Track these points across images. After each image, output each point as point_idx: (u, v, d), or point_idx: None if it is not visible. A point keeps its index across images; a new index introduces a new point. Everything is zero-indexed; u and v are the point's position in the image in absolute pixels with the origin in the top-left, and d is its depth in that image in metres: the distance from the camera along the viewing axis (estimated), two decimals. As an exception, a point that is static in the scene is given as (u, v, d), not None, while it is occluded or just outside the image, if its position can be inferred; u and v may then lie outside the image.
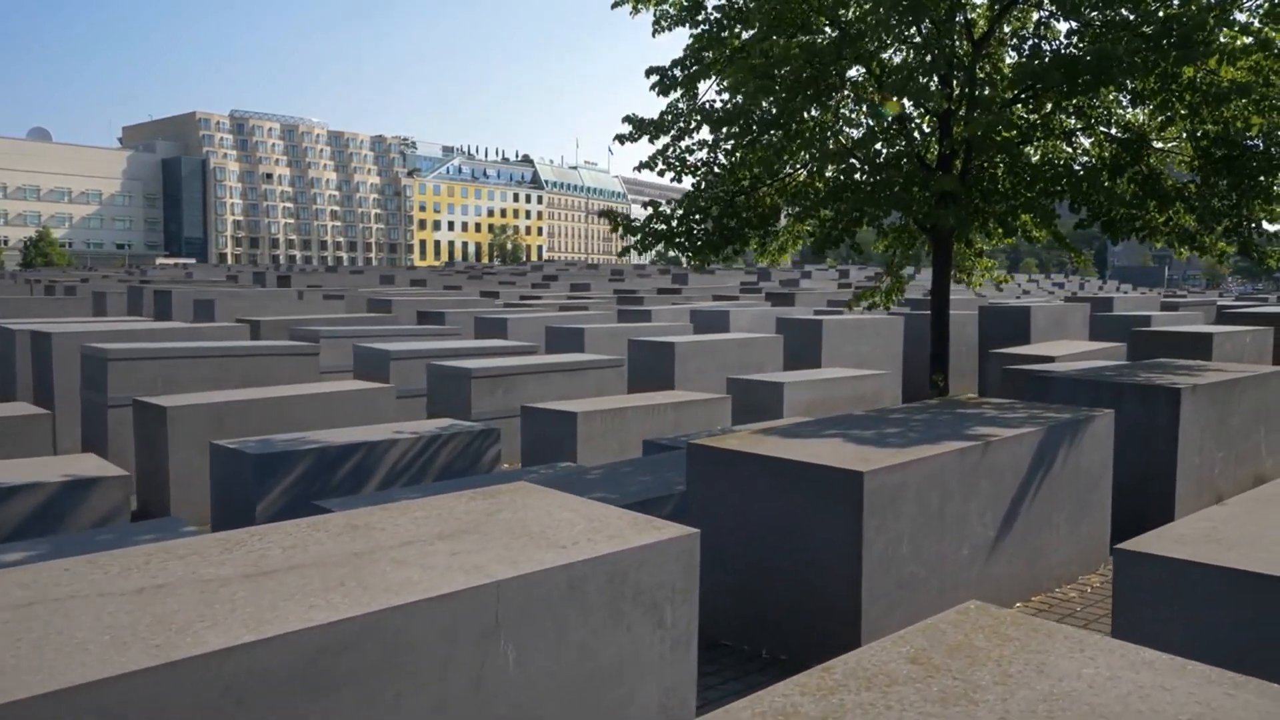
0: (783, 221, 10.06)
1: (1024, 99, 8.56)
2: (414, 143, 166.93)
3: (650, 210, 9.72)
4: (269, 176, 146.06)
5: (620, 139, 9.32)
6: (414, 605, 2.70)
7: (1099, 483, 5.94)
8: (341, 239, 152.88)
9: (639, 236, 9.51)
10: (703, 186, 9.60)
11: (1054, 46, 7.85)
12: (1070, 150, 9.14)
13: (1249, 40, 6.77)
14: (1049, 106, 8.24)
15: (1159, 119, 8.40)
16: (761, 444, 4.82)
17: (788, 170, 9.52)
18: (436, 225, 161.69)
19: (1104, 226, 8.55)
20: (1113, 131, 8.91)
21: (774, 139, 9.01)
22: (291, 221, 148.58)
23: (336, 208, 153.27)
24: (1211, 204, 8.27)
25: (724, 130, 8.92)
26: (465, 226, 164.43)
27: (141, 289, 20.42)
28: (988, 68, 8.38)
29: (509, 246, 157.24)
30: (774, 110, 8.61)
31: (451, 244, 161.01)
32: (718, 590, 4.82)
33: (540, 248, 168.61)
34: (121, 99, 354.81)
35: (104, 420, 9.79)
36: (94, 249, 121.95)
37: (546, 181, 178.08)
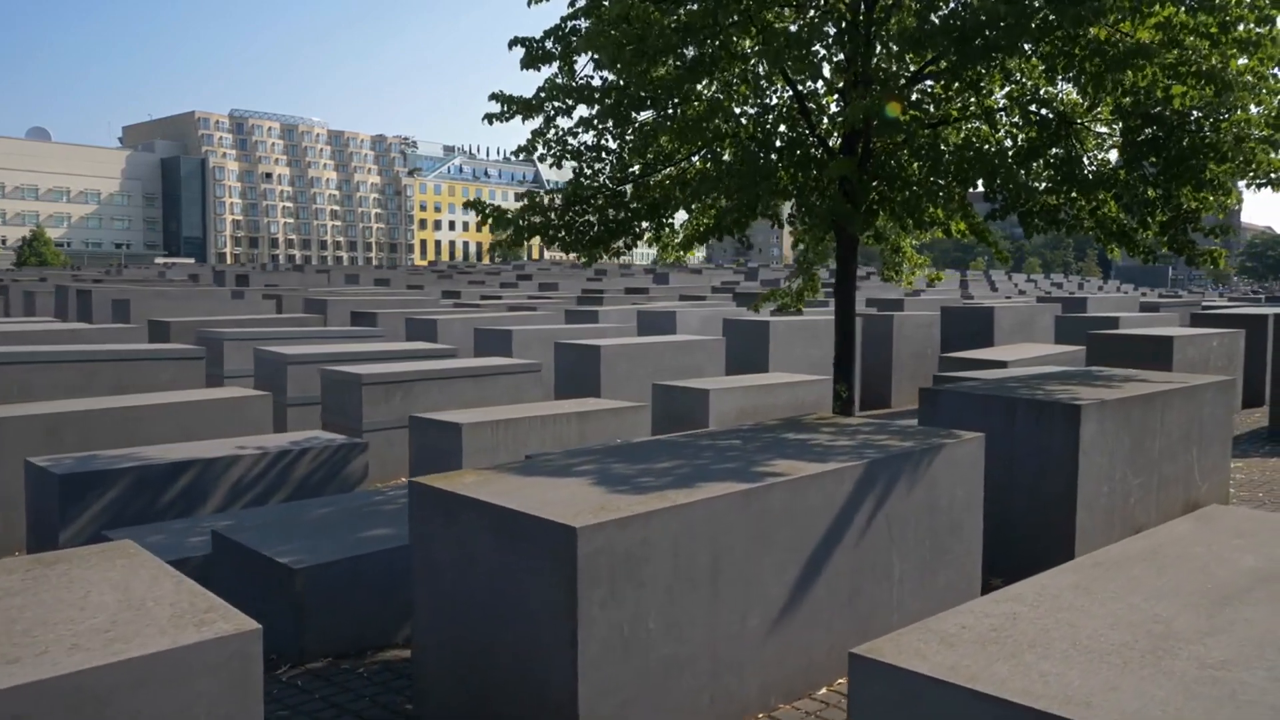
0: (681, 214, 9.04)
1: (933, 73, 7.53)
2: (415, 142, 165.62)
3: (525, 200, 8.70)
4: (269, 176, 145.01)
5: (489, 118, 8.35)
6: None
7: (965, 520, 4.88)
8: (341, 239, 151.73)
9: (511, 230, 8.49)
10: (588, 174, 8.61)
11: (948, 9, 6.77)
12: (994, 133, 8.09)
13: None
14: (952, 81, 7.19)
15: (1087, 97, 7.34)
16: (491, 484, 3.77)
17: (680, 155, 8.52)
18: (437, 225, 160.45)
19: (1020, 218, 7.49)
20: (1043, 112, 7.86)
21: (661, 119, 8.02)
22: (291, 221, 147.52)
23: (337, 207, 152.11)
24: (1144, 193, 7.21)
25: (596, 109, 7.92)
26: (466, 226, 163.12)
27: (68, 289, 19.51)
28: (886, 37, 7.32)
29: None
30: (647, 87, 7.61)
31: (452, 244, 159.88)
32: (441, 670, 3.83)
33: (543, 248, 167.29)
34: (122, 99, 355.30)
35: (-54, 433, 8.89)
36: (92, 249, 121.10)
37: (549, 181, 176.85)
